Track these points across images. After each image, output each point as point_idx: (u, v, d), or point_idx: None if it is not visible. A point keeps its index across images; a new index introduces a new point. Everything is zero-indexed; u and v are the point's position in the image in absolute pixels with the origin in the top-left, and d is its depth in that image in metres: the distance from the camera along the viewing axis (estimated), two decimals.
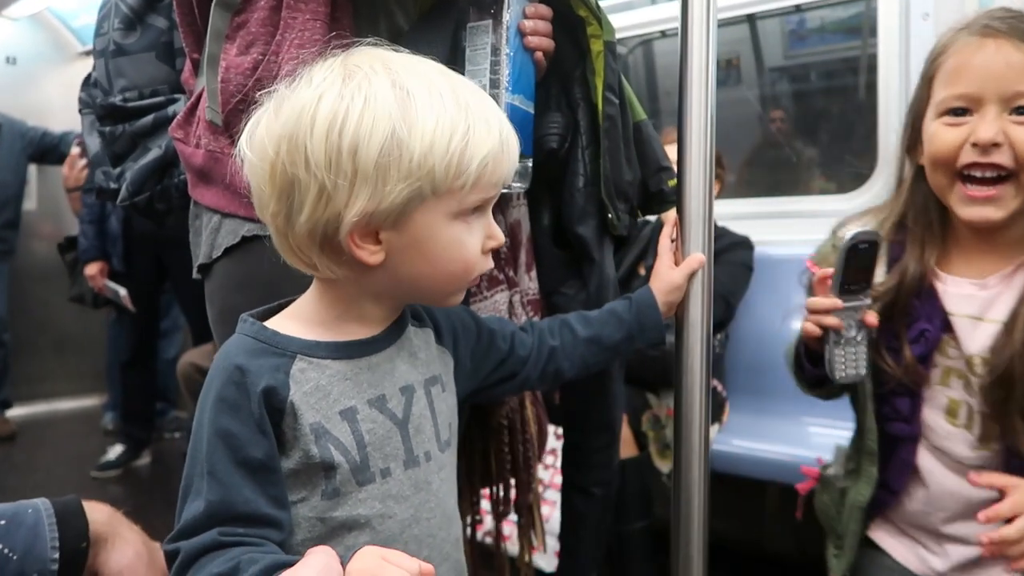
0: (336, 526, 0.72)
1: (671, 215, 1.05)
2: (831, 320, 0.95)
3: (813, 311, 0.98)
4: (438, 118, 0.68)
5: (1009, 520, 0.85)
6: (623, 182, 1.15)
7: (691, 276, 1.02)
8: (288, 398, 0.70)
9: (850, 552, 1.08)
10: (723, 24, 2.54)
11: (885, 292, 0.99)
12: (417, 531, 0.76)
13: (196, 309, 3.24)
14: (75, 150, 3.53)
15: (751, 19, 2.79)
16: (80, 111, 3.02)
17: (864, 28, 2.67)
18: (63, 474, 3.37)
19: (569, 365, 0.98)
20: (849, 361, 0.96)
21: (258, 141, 0.70)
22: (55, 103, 4.47)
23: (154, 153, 1.27)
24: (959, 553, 1.00)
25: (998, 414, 0.91)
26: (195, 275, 1.06)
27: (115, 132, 1.29)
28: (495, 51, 0.99)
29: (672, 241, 1.04)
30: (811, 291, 1.03)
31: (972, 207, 0.90)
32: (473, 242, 0.74)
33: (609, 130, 1.11)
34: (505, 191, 0.97)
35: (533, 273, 1.18)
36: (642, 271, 2.21)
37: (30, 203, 4.30)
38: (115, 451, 3.41)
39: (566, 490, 1.37)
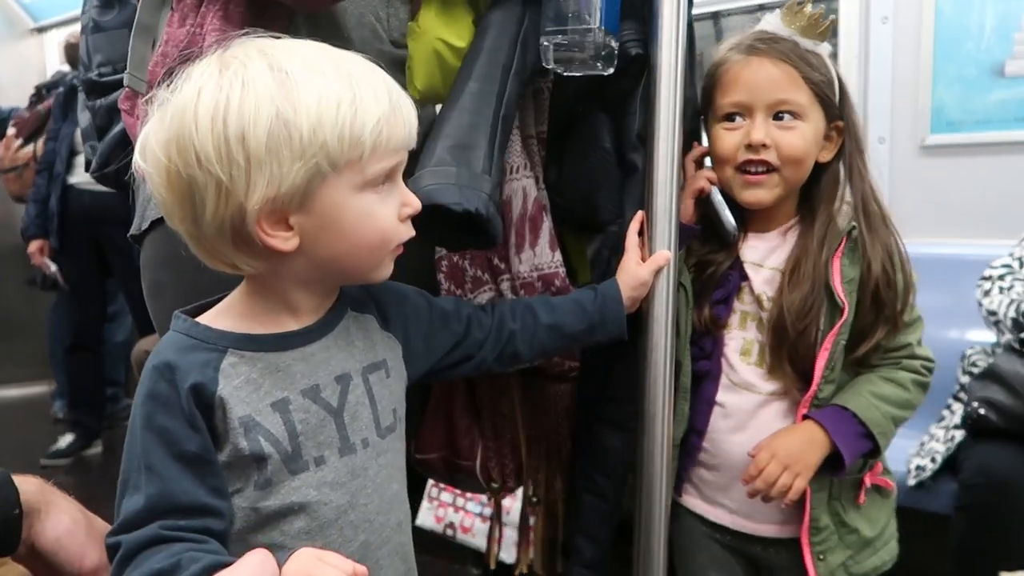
0: (270, 514, 0.73)
1: (639, 212, 1.06)
2: (712, 175, 1.12)
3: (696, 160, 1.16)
4: (321, 92, 0.67)
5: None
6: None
7: (657, 272, 1.03)
8: (216, 393, 0.70)
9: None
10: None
11: (704, 255, 1.14)
12: (353, 516, 0.77)
13: (135, 294, 3.23)
14: (11, 131, 3.49)
15: (715, 16, 2.82)
16: (79, 89, 3.02)
17: None
18: (11, 462, 3.22)
19: (527, 349, 0.98)
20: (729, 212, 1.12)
21: (150, 151, 0.69)
22: (4, 80, 4.34)
23: (120, 125, 1.26)
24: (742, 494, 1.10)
25: (774, 348, 1.08)
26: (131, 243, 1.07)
27: (95, 106, 1.30)
28: None
29: (639, 237, 1.06)
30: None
31: (748, 190, 1.08)
32: (387, 211, 0.74)
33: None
34: (591, 72, 0.94)
35: (525, 254, 1.10)
36: None
37: None
38: (66, 440, 3.34)
39: (590, 425, 1.22)
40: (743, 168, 1.07)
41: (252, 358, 0.73)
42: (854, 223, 1.07)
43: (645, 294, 1.04)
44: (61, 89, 3.30)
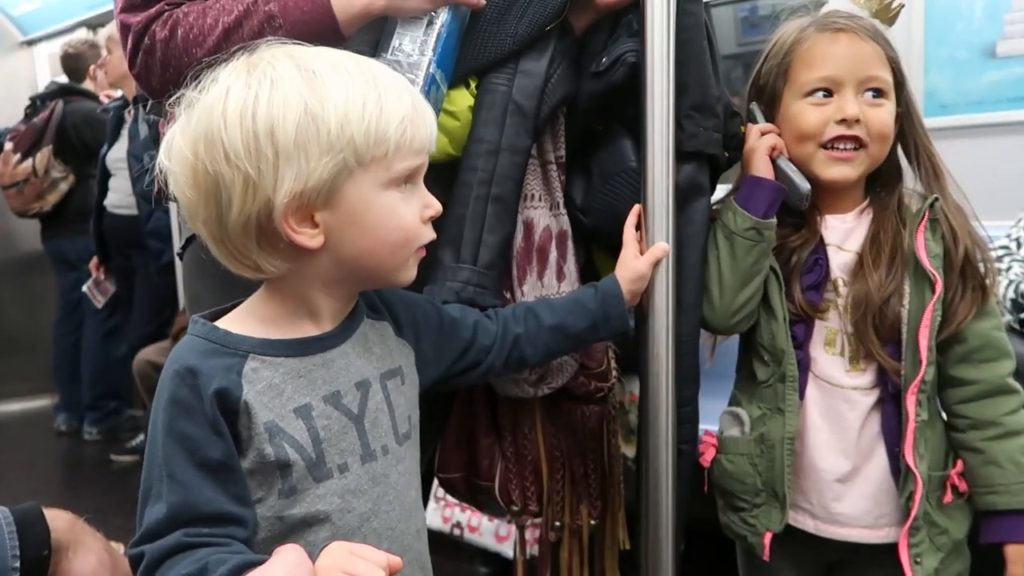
0: (295, 523, 0.72)
1: (636, 206, 1.06)
2: (779, 140, 1.09)
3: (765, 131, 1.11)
4: (347, 90, 0.69)
5: None
6: (711, 97, 1.08)
7: (655, 265, 1.03)
8: (241, 398, 0.69)
9: (788, 492, 1.07)
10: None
11: (782, 237, 1.11)
12: (376, 524, 0.77)
13: (140, 310, 3.29)
14: (8, 145, 3.48)
15: (706, 6, 2.82)
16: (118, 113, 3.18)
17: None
18: (15, 477, 3.27)
19: (533, 352, 0.99)
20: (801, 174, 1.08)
21: (176, 150, 0.70)
22: None
23: None
24: (838, 506, 1.07)
25: (859, 332, 1.05)
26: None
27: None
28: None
29: (636, 230, 1.05)
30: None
31: (834, 167, 1.06)
32: (410, 211, 0.75)
33: (692, 39, 1.07)
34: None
35: (528, 285, 1.09)
36: None
37: None
38: (139, 439, 3.39)
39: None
40: (829, 144, 1.05)
41: (273, 363, 0.72)
42: (936, 195, 1.05)
43: (644, 287, 1.04)
44: (111, 114, 3.31)
